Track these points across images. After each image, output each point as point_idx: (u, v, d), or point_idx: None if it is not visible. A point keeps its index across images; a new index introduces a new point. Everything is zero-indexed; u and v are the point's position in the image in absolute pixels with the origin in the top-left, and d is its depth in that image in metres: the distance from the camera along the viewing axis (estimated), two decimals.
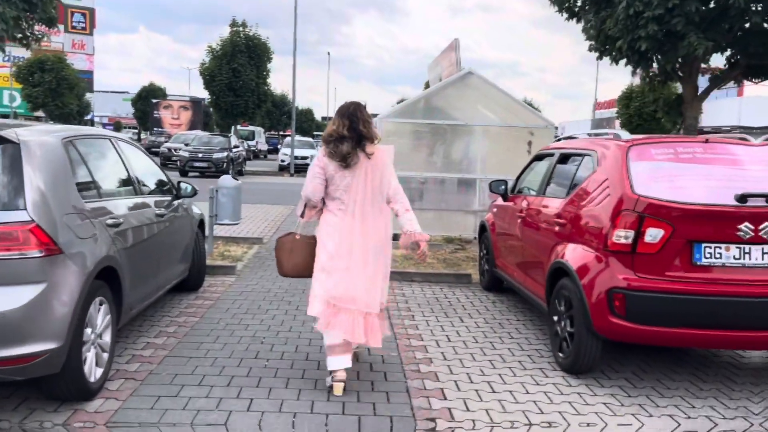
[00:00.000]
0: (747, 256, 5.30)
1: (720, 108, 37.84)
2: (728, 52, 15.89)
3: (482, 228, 9.44)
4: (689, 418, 5.06)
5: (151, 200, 6.65)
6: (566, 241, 6.11)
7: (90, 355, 4.81)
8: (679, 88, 19.09)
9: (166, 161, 36.26)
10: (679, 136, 6.50)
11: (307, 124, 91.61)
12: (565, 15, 16.74)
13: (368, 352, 6.21)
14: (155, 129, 57.59)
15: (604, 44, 15.72)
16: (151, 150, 49.86)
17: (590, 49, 16.51)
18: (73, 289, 4.50)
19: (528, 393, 5.45)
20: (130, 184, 6.28)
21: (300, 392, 5.30)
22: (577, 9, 16.59)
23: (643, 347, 6.41)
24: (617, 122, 40.12)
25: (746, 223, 5.24)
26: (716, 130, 31.55)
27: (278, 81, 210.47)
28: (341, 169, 5.25)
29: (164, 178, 7.59)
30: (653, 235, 5.29)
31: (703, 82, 17.33)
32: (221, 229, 12.51)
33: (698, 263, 5.31)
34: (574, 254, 5.88)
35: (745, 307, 5.25)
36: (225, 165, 30.85)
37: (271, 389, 5.32)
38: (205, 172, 30.58)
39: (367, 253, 5.30)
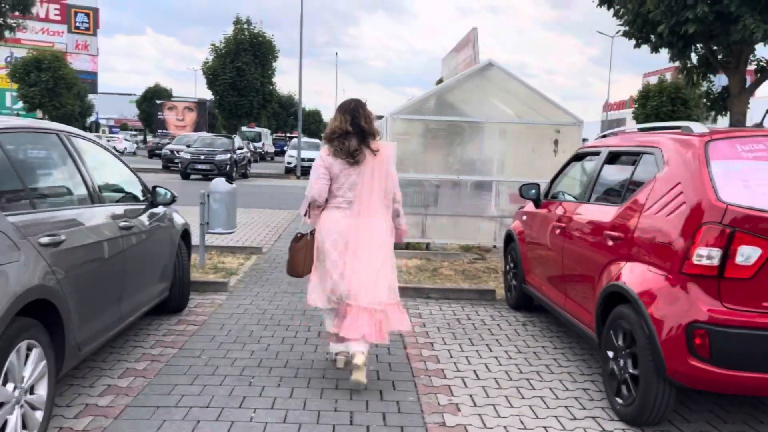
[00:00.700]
0: None
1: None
2: None
3: (508, 238, 8.26)
4: None
5: (113, 210, 5.47)
6: (623, 259, 4.93)
7: (13, 419, 3.63)
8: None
9: (168, 163, 35.34)
10: None
11: (314, 125, 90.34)
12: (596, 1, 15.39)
13: (380, 397, 5.07)
14: (159, 131, 56.78)
15: (642, 29, 14.24)
16: (154, 152, 49.04)
17: (625, 35, 15.07)
18: None
19: None
20: (83, 190, 5.08)
21: None
22: None
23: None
24: (629, 123, 38.93)
25: None
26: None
27: (286, 83, 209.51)
28: (347, 167, 5.22)
29: (136, 183, 6.45)
30: (747, 254, 4.10)
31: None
32: (217, 237, 11.37)
33: None
34: (636, 277, 4.70)
35: None
36: (228, 167, 29.79)
37: None
38: (208, 174, 29.46)
39: (373, 249, 5.27)
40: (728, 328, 4.08)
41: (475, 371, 5.74)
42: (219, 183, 9.57)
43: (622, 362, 4.76)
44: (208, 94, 44.22)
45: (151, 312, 6.65)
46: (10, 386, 3.61)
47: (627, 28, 14.76)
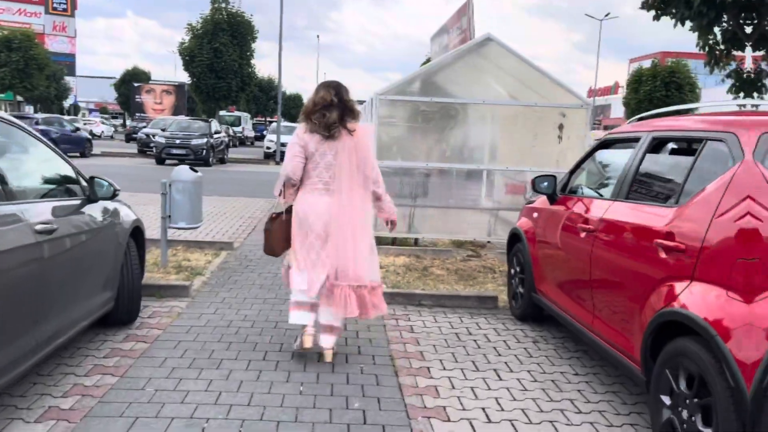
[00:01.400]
0: None
1: (721, 93, 35.67)
2: None
3: (514, 237, 7.15)
4: None
5: (30, 209, 4.29)
6: (684, 277, 3.80)
7: None
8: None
9: (144, 148, 34.06)
10: None
11: (295, 110, 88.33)
12: None
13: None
14: (137, 114, 55.32)
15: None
16: (131, 136, 47.50)
17: (643, 7, 13.77)
18: None
19: None
20: None
21: None
22: None
23: None
24: (615, 109, 37.77)
25: None
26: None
27: (266, 67, 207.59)
28: (322, 144, 5.17)
29: (68, 174, 5.27)
30: None
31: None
32: (183, 231, 10.19)
33: None
34: (706, 302, 3.57)
35: None
36: (204, 152, 28.49)
37: None
38: (184, 159, 28.17)
39: (353, 229, 5.22)
40: None
41: (484, 410, 4.62)
42: (182, 171, 8.42)
43: (685, 414, 3.64)
44: (185, 77, 42.75)
45: (96, 323, 5.54)
46: None
47: None
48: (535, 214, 6.62)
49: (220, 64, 37.64)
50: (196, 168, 8.48)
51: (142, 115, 54.22)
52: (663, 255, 4.02)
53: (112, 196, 5.47)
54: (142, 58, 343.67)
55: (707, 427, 3.44)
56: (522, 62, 9.90)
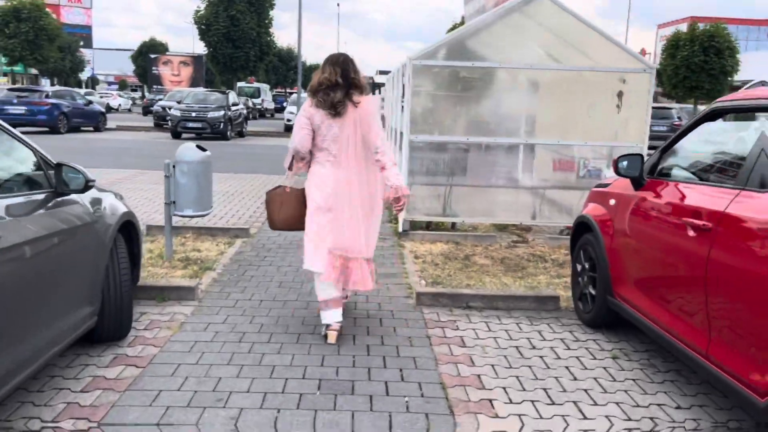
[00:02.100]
0: None
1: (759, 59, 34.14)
2: None
3: (582, 227, 5.97)
4: None
5: None
6: None
7: None
8: None
9: (160, 121, 33.05)
10: None
11: None
12: None
13: None
14: (154, 86, 54.32)
15: None
16: (149, 109, 46.48)
17: None
18: None
19: None
20: None
21: None
22: None
23: None
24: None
25: None
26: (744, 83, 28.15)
27: (285, 38, 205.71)
28: (328, 119, 5.10)
29: (32, 164, 4.15)
30: None
31: None
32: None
33: None
34: None
35: None
36: (222, 125, 27.39)
37: None
38: (201, 133, 27.11)
39: (360, 202, 5.16)
40: None
41: None
42: (188, 150, 7.24)
43: None
44: (202, 48, 41.55)
45: (79, 341, 4.48)
46: None
47: None
48: (612, 201, 5.42)
49: (237, 32, 36.39)
50: (204, 146, 7.31)
51: (159, 87, 53.24)
52: None
53: (84, 189, 4.33)
54: (162, 30, 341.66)
55: None
56: (578, 21, 8.64)
